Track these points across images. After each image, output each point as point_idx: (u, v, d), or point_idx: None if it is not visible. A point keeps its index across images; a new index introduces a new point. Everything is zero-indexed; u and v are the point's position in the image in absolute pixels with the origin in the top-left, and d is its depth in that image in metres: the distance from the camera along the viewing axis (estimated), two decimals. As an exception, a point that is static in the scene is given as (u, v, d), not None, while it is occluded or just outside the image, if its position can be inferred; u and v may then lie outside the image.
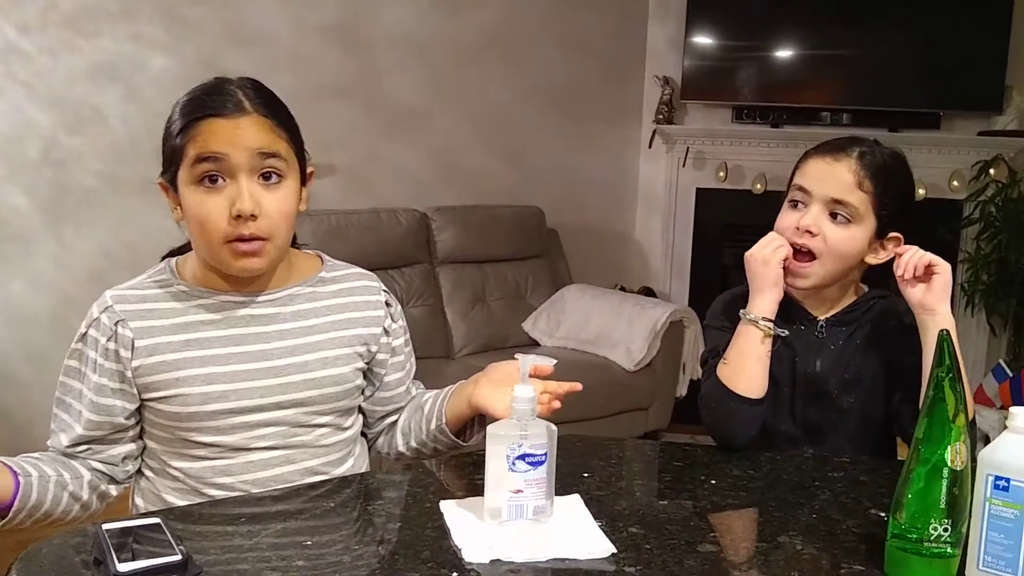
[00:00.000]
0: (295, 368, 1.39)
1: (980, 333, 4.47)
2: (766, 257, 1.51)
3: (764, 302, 1.51)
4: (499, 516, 1.15)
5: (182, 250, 1.47)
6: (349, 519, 1.20)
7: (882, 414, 1.58)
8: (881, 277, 1.59)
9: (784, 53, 4.58)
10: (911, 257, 1.45)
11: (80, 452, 1.39)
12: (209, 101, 1.31)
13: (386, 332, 1.49)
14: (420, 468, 1.40)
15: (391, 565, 1.06)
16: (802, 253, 1.53)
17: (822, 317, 1.59)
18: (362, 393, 1.50)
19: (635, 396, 3.84)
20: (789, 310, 1.59)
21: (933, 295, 1.45)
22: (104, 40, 3.38)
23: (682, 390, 3.97)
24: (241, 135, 1.30)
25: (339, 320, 1.45)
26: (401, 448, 1.55)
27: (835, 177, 1.52)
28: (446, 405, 1.48)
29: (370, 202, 3.89)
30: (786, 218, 1.56)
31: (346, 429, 1.48)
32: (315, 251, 1.54)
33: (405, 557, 1.08)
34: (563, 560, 1.08)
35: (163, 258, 1.48)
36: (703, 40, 4.61)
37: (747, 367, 1.50)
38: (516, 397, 1.15)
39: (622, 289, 4.52)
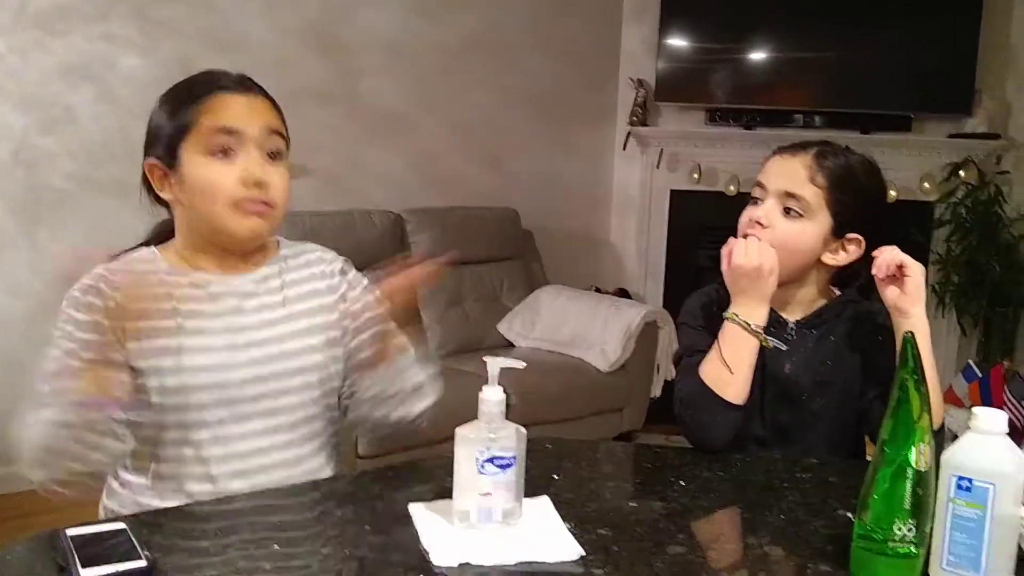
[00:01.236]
0: (274, 340, 1.42)
1: (951, 334, 4.52)
2: (771, 266, 1.49)
3: (763, 311, 1.50)
4: (468, 519, 1.15)
5: (158, 240, 1.48)
6: (318, 523, 1.19)
7: (853, 417, 1.59)
8: (867, 288, 1.60)
9: (757, 56, 4.62)
10: (884, 257, 1.46)
11: None
12: (216, 78, 1.40)
13: (343, 299, 1.51)
14: (390, 471, 1.39)
15: (359, 569, 1.06)
16: None
17: (792, 320, 1.60)
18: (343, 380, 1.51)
19: (610, 397, 3.85)
20: None
21: (906, 297, 1.45)
22: (76, 40, 3.35)
23: (656, 391, 3.99)
24: (253, 111, 1.38)
25: (306, 292, 1.48)
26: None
27: (789, 171, 1.54)
28: None
29: (345, 204, 3.87)
30: (744, 214, 1.58)
31: (323, 417, 1.47)
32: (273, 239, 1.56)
33: (373, 561, 1.08)
34: (531, 563, 1.08)
35: (138, 245, 1.49)
36: (677, 42, 4.63)
37: (741, 375, 1.49)
38: (484, 399, 1.15)
39: (597, 291, 4.53)
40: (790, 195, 1.53)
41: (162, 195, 1.42)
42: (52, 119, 3.33)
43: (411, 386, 1.48)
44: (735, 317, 1.50)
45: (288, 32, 3.81)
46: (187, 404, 1.36)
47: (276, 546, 1.11)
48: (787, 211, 1.54)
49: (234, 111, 1.37)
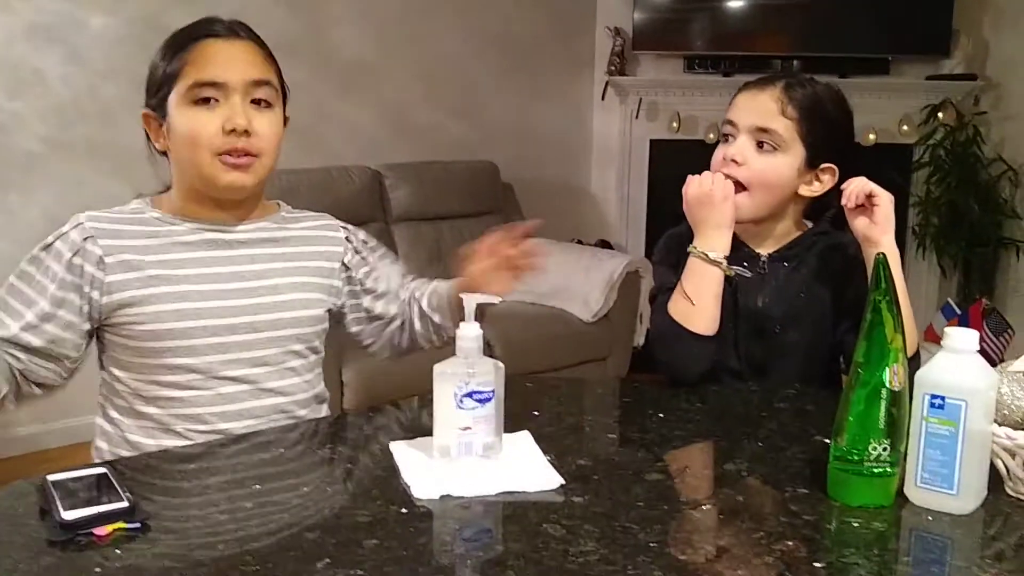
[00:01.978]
0: (266, 290, 1.43)
1: (931, 274, 4.55)
2: (724, 193, 1.50)
3: (722, 240, 1.50)
4: (448, 454, 1.15)
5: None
6: (299, 463, 1.20)
7: (827, 349, 1.60)
8: (839, 219, 1.60)
9: (734, 2, 4.59)
10: (854, 187, 1.47)
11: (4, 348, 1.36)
12: (203, 26, 1.39)
13: (345, 267, 1.54)
14: (371, 412, 1.40)
15: (340, 505, 1.06)
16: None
17: (764, 253, 1.61)
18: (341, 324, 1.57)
19: (593, 347, 3.87)
20: (731, 246, 1.60)
21: (875, 227, 1.45)
22: (42, 0, 3.29)
23: (639, 340, 4.01)
24: (237, 59, 1.37)
25: (306, 252, 1.50)
26: (419, 326, 1.60)
27: (759, 106, 1.54)
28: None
29: (321, 160, 3.84)
30: (717, 153, 1.58)
31: (312, 368, 1.50)
32: (274, 200, 1.57)
33: (354, 497, 1.09)
34: (512, 493, 1.09)
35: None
36: (653, -10, 4.60)
37: (706, 306, 1.50)
38: (461, 335, 1.15)
39: (578, 242, 4.53)
40: (762, 129, 1.53)
41: (157, 145, 1.42)
42: (20, 82, 3.27)
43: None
44: (694, 250, 1.50)
45: (256, -15, 3.75)
46: (177, 347, 1.36)
47: (257, 485, 1.12)
48: (760, 145, 1.53)
49: (218, 60, 1.36)
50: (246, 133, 1.35)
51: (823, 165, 1.56)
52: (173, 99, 1.37)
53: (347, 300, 1.56)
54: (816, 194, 1.58)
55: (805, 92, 1.55)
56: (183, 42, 1.38)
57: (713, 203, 1.50)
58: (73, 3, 3.34)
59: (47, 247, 1.37)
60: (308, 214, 1.57)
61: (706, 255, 1.49)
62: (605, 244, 4.63)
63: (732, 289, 1.58)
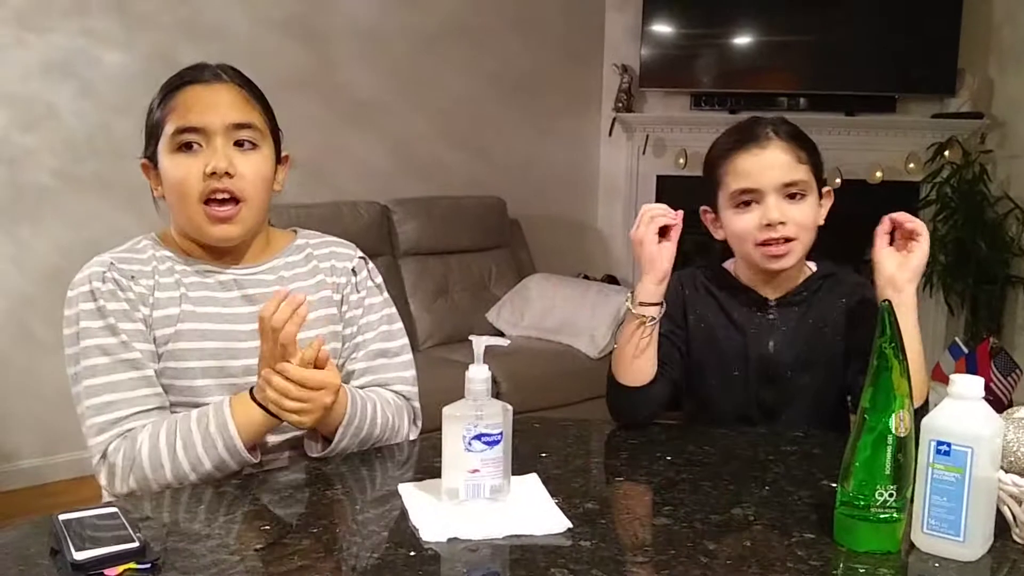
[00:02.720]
0: None
1: (938, 313, 4.54)
2: (639, 236, 1.48)
3: (643, 285, 1.49)
4: (457, 496, 1.16)
5: None
6: (308, 503, 1.20)
7: (837, 391, 1.60)
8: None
9: (741, 40, 4.63)
10: (898, 214, 1.45)
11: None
12: (188, 73, 1.39)
13: (345, 301, 1.50)
14: (379, 452, 1.40)
15: (348, 548, 1.07)
16: (782, 244, 1.53)
17: (772, 298, 1.61)
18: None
19: (600, 383, 3.76)
20: (738, 293, 1.61)
21: (907, 270, 1.44)
22: (56, 36, 3.34)
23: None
24: (217, 103, 1.36)
25: (313, 284, 1.48)
26: None
27: (775, 163, 1.52)
28: None
29: (330, 195, 3.88)
30: (744, 221, 1.54)
31: None
32: (291, 228, 1.57)
33: (363, 539, 1.09)
34: (520, 536, 1.09)
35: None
36: (660, 28, 4.64)
37: (622, 355, 1.51)
38: (470, 377, 1.16)
39: (585, 277, 4.54)
40: (789, 184, 1.52)
41: (155, 193, 1.43)
42: (33, 116, 3.31)
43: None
44: (627, 298, 1.51)
45: (267, 21, 3.81)
46: (190, 388, 1.37)
47: (267, 526, 1.13)
48: (791, 197, 1.53)
49: (198, 106, 1.36)
50: (227, 175, 1.35)
51: (824, 190, 1.58)
52: (161, 147, 1.38)
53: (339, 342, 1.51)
54: (823, 220, 1.58)
55: (792, 130, 1.57)
56: (168, 91, 1.39)
57: (635, 245, 1.49)
58: (87, 39, 3.40)
59: (94, 300, 1.34)
60: (327, 239, 1.55)
61: (627, 300, 1.50)
62: (612, 279, 4.64)
63: (741, 336, 1.59)
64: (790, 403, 1.60)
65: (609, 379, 1.54)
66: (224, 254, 1.44)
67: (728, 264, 1.68)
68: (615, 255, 4.95)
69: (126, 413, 1.31)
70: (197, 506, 1.19)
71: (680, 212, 1.50)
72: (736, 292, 1.62)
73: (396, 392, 1.49)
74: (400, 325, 1.54)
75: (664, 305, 1.50)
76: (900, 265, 1.45)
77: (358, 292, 1.51)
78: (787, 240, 1.52)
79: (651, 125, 4.75)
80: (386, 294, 1.55)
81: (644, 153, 4.77)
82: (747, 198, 1.53)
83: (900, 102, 4.58)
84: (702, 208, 1.65)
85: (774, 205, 1.51)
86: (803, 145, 1.55)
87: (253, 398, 1.30)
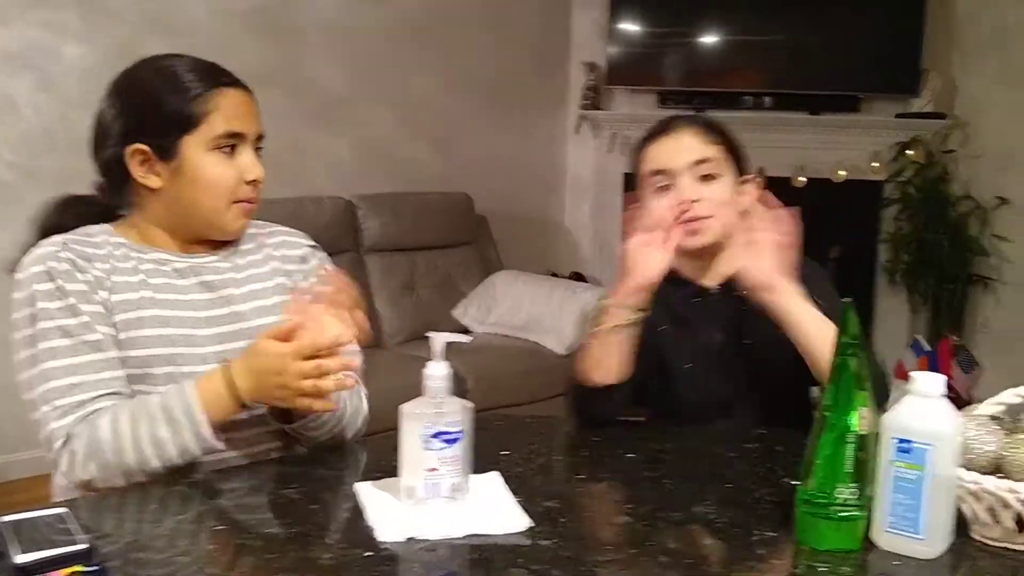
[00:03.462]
0: (236, 317, 1.41)
1: (901, 310, 4.58)
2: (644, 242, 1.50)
3: (620, 291, 1.49)
4: (415, 495, 1.14)
5: (102, 219, 1.44)
6: (262, 503, 1.18)
7: (791, 373, 1.60)
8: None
9: (707, 39, 4.64)
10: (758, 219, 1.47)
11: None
12: (219, 71, 1.40)
13: (294, 289, 1.49)
14: (336, 452, 1.38)
15: (302, 548, 1.04)
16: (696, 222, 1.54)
17: (713, 284, 1.61)
18: None
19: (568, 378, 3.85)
20: (679, 287, 1.61)
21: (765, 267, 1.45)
22: (15, 27, 3.27)
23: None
24: (252, 112, 1.41)
25: (268, 271, 1.48)
26: None
27: (683, 144, 1.57)
28: None
29: (295, 190, 3.82)
30: (660, 203, 1.56)
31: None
32: None
33: (317, 539, 1.07)
34: (479, 536, 1.08)
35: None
36: (627, 26, 4.64)
37: (597, 354, 1.50)
38: (429, 374, 1.15)
39: (552, 275, 4.53)
40: (700, 161, 1.56)
41: (144, 181, 1.38)
42: (-10, 108, 3.25)
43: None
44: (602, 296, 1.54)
45: (232, 14, 3.76)
46: (150, 375, 1.34)
47: (220, 526, 1.10)
48: (705, 178, 1.56)
49: (241, 111, 1.38)
50: (260, 182, 1.41)
51: (744, 176, 1.61)
52: (191, 141, 1.35)
53: None
54: (750, 203, 1.59)
55: (705, 119, 1.61)
56: (203, 85, 1.36)
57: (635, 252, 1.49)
58: (46, 31, 3.33)
59: (51, 280, 1.31)
60: (275, 228, 1.55)
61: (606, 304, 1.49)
62: (579, 277, 4.64)
63: (688, 328, 1.58)
64: (745, 392, 1.60)
65: (573, 377, 1.53)
66: (202, 245, 1.43)
67: None
68: (582, 253, 4.94)
69: (90, 395, 1.28)
70: (148, 506, 1.17)
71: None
72: (677, 285, 1.61)
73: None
74: None
75: (643, 312, 1.49)
76: (758, 266, 1.45)
77: (308, 280, 1.50)
78: (700, 218, 1.54)
79: (618, 123, 4.75)
80: None
81: (611, 151, 4.77)
82: (662, 181, 1.57)
83: (864, 102, 4.61)
84: (631, 202, 1.65)
85: (687, 185, 1.55)
86: (715, 130, 1.60)
87: (231, 383, 1.27)
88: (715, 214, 1.55)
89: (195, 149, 1.36)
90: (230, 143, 1.37)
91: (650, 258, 1.48)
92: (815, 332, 1.42)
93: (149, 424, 1.26)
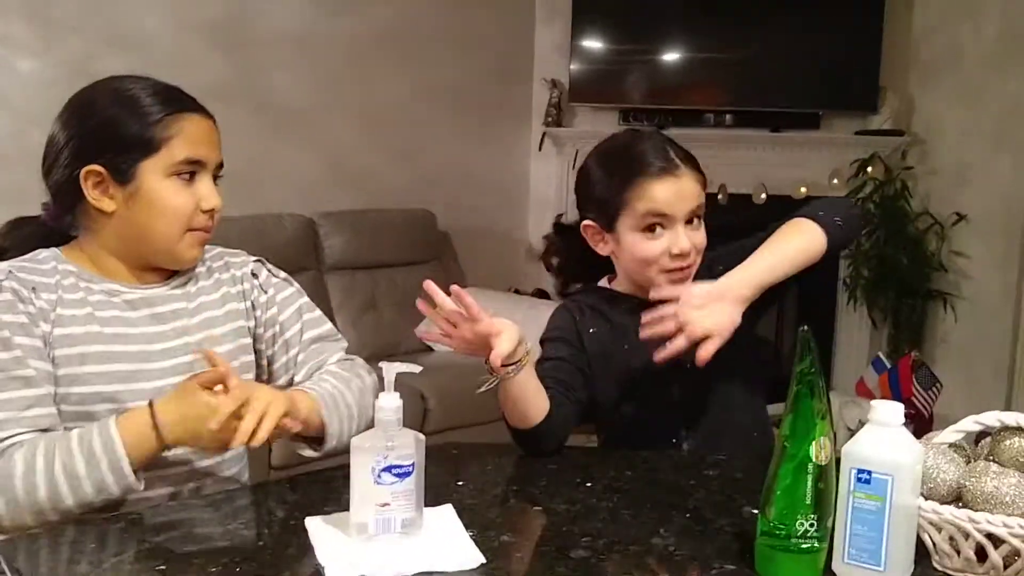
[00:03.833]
0: (188, 348, 1.38)
1: (862, 326, 4.61)
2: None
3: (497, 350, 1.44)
4: (366, 531, 1.11)
5: (50, 241, 1.40)
6: (208, 540, 1.13)
7: (747, 378, 1.59)
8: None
9: (669, 56, 4.65)
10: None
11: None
12: (183, 96, 1.37)
13: (254, 306, 1.48)
14: (287, 483, 1.34)
15: (249, 588, 1.01)
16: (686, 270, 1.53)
17: (652, 297, 1.55)
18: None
19: (529, 399, 3.83)
20: (627, 306, 1.58)
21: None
22: (-36, 42, 3.21)
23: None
24: (213, 139, 1.38)
25: (217, 298, 1.46)
26: None
27: (687, 191, 1.52)
28: None
29: (255, 207, 3.77)
30: (652, 247, 1.52)
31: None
32: None
33: (264, 578, 1.03)
34: (431, 573, 1.05)
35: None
36: (589, 44, 4.64)
37: (505, 406, 1.49)
38: (380, 406, 1.11)
39: (516, 292, 4.51)
40: (695, 209, 1.53)
41: (97, 204, 1.34)
42: (-60, 125, 3.18)
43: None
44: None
45: (190, 28, 3.71)
46: (91, 412, 1.29)
47: (162, 566, 1.06)
48: (690, 221, 1.53)
49: (202, 138, 1.36)
50: (217, 211, 1.38)
51: None
52: (150, 166, 1.32)
53: (263, 345, 1.50)
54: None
55: (688, 154, 1.56)
56: (163, 110, 1.33)
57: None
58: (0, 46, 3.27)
59: None
60: (217, 250, 1.52)
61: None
62: (542, 294, 4.61)
63: (642, 346, 1.53)
64: (705, 403, 1.57)
65: (505, 423, 1.50)
66: (152, 274, 1.40)
67: (603, 283, 1.66)
68: (546, 270, 4.92)
69: (12, 433, 1.23)
70: (86, 545, 1.12)
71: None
72: (624, 306, 1.59)
73: (338, 360, 1.50)
74: (318, 310, 1.54)
75: (523, 348, 1.45)
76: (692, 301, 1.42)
77: (265, 292, 1.49)
78: (691, 266, 1.54)
79: (580, 140, 4.73)
80: (295, 285, 1.54)
81: (574, 167, 4.74)
82: (655, 222, 1.52)
83: (824, 119, 4.64)
84: (585, 223, 1.62)
85: (683, 233, 1.52)
86: (699, 169, 1.56)
87: (157, 422, 1.22)
88: (698, 259, 1.55)
89: (153, 174, 1.32)
90: (189, 170, 1.34)
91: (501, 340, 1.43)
92: (788, 260, 1.45)
93: (65, 458, 1.21)
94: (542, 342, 1.65)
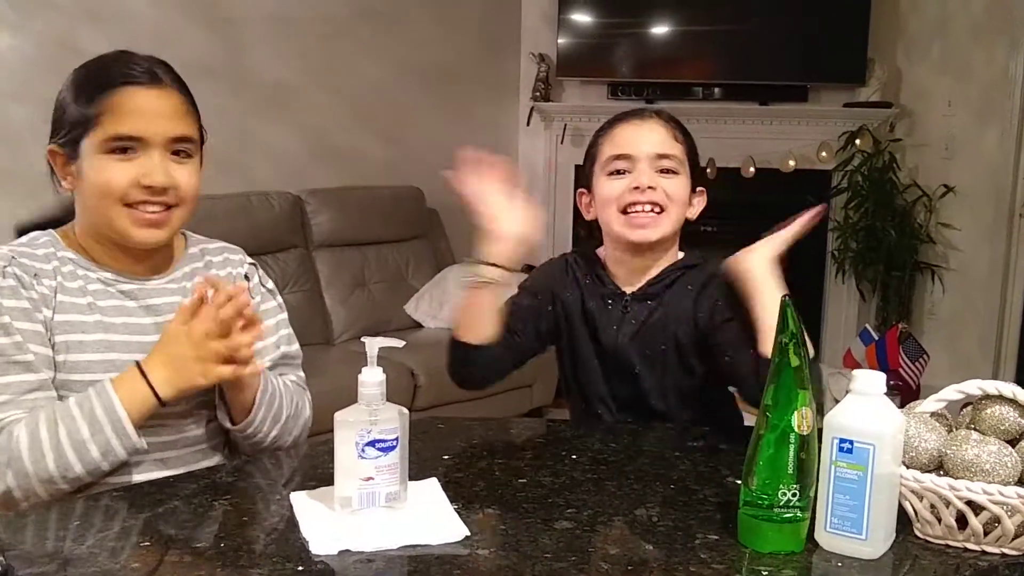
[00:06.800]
0: None
1: (850, 299, 4.63)
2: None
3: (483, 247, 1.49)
4: (350, 505, 1.11)
5: (53, 223, 1.41)
6: (193, 516, 1.13)
7: (694, 385, 1.58)
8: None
9: (657, 30, 4.63)
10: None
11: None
12: (121, 68, 1.31)
13: None
14: (272, 459, 1.35)
15: (234, 562, 1.01)
16: (648, 212, 1.53)
17: (629, 292, 1.60)
18: None
19: (518, 374, 3.81)
20: (600, 284, 1.60)
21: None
22: (-58, 19, 3.17)
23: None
24: (159, 113, 1.30)
25: (211, 294, 1.42)
26: None
27: (651, 135, 1.55)
28: None
29: (241, 185, 3.76)
30: (614, 186, 1.55)
31: (213, 421, 1.42)
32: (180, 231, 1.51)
33: (249, 553, 1.03)
34: (415, 547, 1.05)
35: (24, 230, 1.41)
36: (577, 17, 4.62)
37: (465, 314, 1.51)
38: (363, 381, 1.11)
39: (505, 267, 4.49)
40: (662, 156, 1.54)
41: (64, 184, 1.34)
42: (-79, 104, 3.15)
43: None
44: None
45: (170, 4, 3.67)
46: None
47: (146, 542, 1.06)
48: (663, 172, 1.54)
49: (139, 113, 1.29)
50: (163, 191, 1.31)
51: (697, 188, 1.60)
52: (87, 145, 1.30)
53: None
54: (694, 216, 1.60)
55: (672, 116, 1.59)
56: (99, 86, 1.30)
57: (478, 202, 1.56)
58: (-24, 23, 3.23)
59: None
60: (218, 244, 1.51)
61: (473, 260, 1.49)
62: (531, 269, 4.60)
63: (593, 328, 1.57)
64: (644, 399, 1.58)
65: (449, 342, 1.52)
66: (132, 258, 1.37)
67: (600, 251, 1.67)
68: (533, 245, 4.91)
69: (11, 414, 1.24)
70: (71, 522, 1.12)
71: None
72: (598, 282, 1.61)
73: (293, 382, 1.51)
74: (291, 328, 1.54)
75: (509, 272, 1.48)
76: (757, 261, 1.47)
77: (252, 298, 1.46)
78: (654, 208, 1.53)
79: (569, 114, 4.73)
80: (279, 298, 1.53)
81: (562, 143, 4.75)
82: (620, 166, 1.55)
83: (812, 91, 4.64)
84: (580, 190, 1.66)
85: (645, 171, 1.53)
86: (681, 129, 1.59)
87: (147, 378, 1.26)
88: (669, 209, 1.54)
89: (90, 151, 1.30)
90: (123, 145, 1.29)
91: (516, 213, 1.46)
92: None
93: (69, 425, 1.22)
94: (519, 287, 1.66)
